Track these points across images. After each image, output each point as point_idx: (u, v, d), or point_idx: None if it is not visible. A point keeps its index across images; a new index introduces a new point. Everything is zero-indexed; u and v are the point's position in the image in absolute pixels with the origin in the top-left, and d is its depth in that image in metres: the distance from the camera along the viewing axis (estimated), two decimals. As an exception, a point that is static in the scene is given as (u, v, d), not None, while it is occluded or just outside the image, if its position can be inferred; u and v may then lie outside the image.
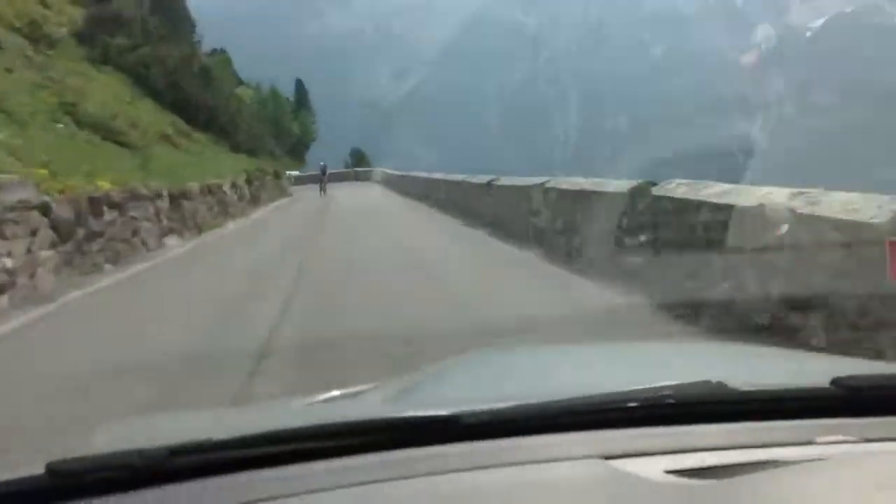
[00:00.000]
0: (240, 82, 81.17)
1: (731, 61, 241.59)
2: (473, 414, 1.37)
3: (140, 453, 1.27)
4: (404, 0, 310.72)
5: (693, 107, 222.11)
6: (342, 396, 2.05)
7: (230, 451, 1.33)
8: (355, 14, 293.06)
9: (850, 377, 1.50)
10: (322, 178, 52.86)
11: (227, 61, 78.18)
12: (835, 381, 1.49)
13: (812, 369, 2.03)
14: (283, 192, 49.83)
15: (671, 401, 1.44)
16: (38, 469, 1.26)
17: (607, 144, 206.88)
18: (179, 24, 67.18)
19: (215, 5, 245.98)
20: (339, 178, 68.50)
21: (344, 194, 48.08)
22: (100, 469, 1.27)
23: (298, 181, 65.89)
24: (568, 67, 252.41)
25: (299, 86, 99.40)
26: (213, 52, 75.92)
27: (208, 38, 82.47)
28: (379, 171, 72.95)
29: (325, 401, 2.04)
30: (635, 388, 1.50)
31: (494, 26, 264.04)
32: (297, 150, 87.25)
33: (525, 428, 1.37)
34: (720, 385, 1.47)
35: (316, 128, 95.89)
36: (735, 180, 7.81)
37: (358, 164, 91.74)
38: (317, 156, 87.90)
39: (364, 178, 73.68)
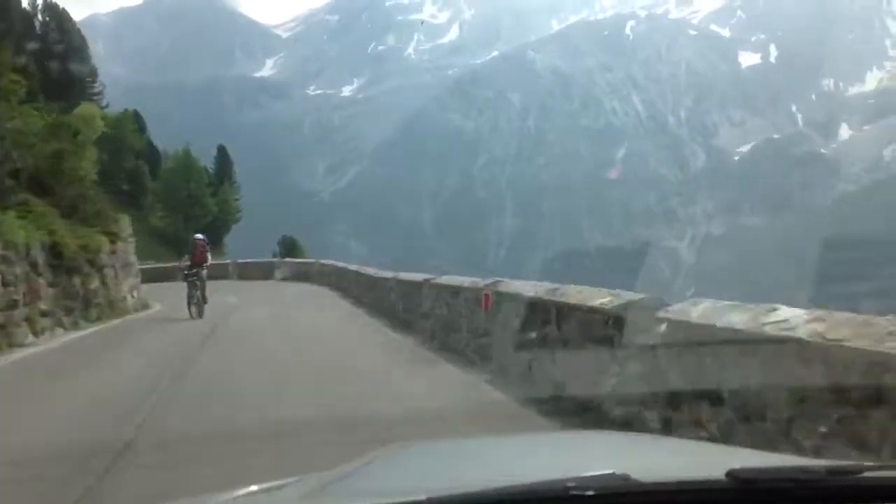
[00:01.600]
0: (154, 152, 78.15)
1: (661, 177, 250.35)
2: None
3: None
4: (343, 97, 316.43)
5: (623, 217, 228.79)
6: (261, 491, 2.09)
7: None
8: (294, 107, 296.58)
9: (744, 469, 1.60)
10: (195, 276, 23.09)
11: (129, 119, 72.14)
12: (730, 474, 1.57)
13: (708, 461, 2.09)
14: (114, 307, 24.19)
15: (576, 492, 1.49)
16: None
17: (540, 247, 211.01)
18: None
19: (152, 86, 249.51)
20: (256, 271, 49.94)
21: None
22: None
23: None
24: (504, 172, 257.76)
25: (222, 155, 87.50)
26: (125, 111, 73.44)
27: (150, 117, 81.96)
28: (290, 261, 56.46)
29: (247, 495, 2.06)
30: (540, 479, 1.58)
31: (433, 127, 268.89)
32: (215, 230, 74.70)
33: None
34: (624, 477, 1.54)
35: (240, 206, 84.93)
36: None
37: (290, 254, 76.72)
38: (240, 243, 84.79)
39: (268, 272, 50.11)
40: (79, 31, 72.42)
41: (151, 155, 75.90)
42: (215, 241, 77.87)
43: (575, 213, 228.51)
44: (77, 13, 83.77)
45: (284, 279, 45.79)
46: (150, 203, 72.90)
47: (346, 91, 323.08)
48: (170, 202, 72.28)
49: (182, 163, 74.01)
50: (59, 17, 69.08)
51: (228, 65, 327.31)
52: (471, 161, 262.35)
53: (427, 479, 1.96)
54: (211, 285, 24.26)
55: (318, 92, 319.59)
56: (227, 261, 50.95)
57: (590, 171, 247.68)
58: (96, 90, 72.09)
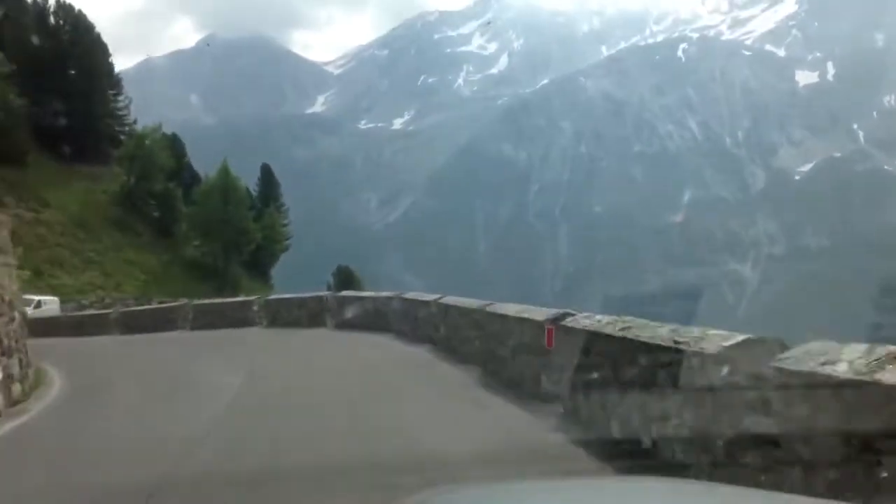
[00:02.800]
0: (192, 175, 73.60)
1: (721, 200, 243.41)
2: None
3: None
4: (393, 130, 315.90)
5: (684, 241, 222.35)
6: None
7: None
8: (345, 142, 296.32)
9: None
10: None
11: (158, 136, 67.96)
12: None
13: None
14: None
15: None
16: None
17: (597, 274, 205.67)
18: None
19: (206, 126, 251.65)
20: (293, 312, 26.72)
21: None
22: None
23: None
24: (558, 201, 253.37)
25: (266, 175, 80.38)
26: (153, 126, 68.86)
27: (204, 158, 78.17)
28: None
29: None
30: None
31: (484, 158, 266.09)
32: (260, 261, 72.40)
33: None
34: None
35: (288, 233, 77.68)
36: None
37: (346, 287, 61.40)
38: (289, 277, 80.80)
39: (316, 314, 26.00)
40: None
41: (188, 178, 71.21)
42: (261, 272, 74.60)
43: (632, 239, 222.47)
44: (132, 58, 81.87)
45: (344, 326, 23.51)
46: (184, 231, 68.30)
47: (397, 124, 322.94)
48: (205, 228, 65.54)
49: (219, 182, 66.60)
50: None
51: (280, 103, 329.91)
52: (523, 190, 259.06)
53: None
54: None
55: (369, 126, 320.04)
56: (180, 301, 33.40)
57: (646, 197, 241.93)
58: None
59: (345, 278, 76.10)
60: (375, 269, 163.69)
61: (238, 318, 26.48)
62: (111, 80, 69.65)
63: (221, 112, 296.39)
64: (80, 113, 63.00)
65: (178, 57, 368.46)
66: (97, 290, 54.99)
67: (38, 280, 51.40)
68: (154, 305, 38.10)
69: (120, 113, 70.33)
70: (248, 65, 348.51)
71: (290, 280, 79.15)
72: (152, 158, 65.28)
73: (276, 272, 79.26)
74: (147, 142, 65.74)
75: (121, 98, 70.60)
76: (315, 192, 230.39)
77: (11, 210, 55.11)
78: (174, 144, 76.54)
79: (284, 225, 77.87)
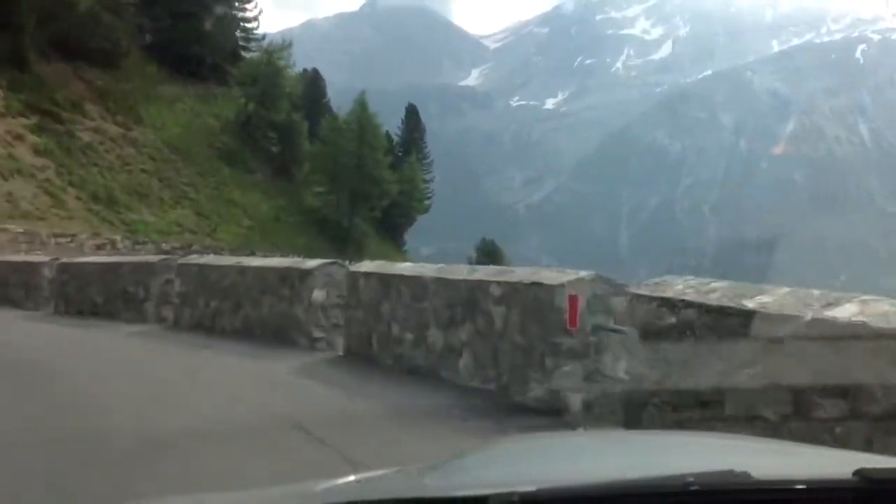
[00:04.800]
0: (322, 106, 60.67)
1: (888, 215, 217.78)
2: (505, 495, 1.36)
3: None
4: (546, 109, 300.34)
5: (842, 256, 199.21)
6: (362, 480, 1.95)
7: None
8: (495, 118, 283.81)
9: (875, 469, 1.46)
10: None
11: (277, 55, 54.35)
12: (858, 473, 1.44)
13: (832, 462, 1.92)
14: None
15: (695, 488, 1.40)
16: None
17: (743, 279, 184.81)
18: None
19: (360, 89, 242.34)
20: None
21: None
22: None
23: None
24: (709, 197, 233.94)
25: (411, 119, 67.81)
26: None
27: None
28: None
29: (346, 484, 1.88)
30: (659, 475, 1.49)
31: (636, 145, 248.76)
32: (393, 220, 59.37)
33: None
34: (744, 475, 1.43)
35: (429, 191, 64.03)
36: None
37: (489, 262, 51.87)
38: (422, 243, 67.21)
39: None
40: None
41: (314, 109, 57.48)
42: (392, 234, 60.31)
43: (787, 247, 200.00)
44: (297, 18, 68.55)
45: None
46: (305, 173, 55.20)
47: (550, 104, 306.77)
48: (331, 172, 52.82)
49: (353, 120, 53.82)
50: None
51: (435, 73, 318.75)
52: (674, 183, 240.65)
53: (538, 471, 1.82)
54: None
55: (522, 103, 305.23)
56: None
57: (804, 202, 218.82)
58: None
59: (489, 252, 63.66)
60: (513, 249, 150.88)
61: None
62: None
63: (375, 77, 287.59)
64: (196, 17, 50.37)
65: (341, 19, 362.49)
66: (185, 234, 42.57)
67: (108, 211, 39.20)
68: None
69: (247, 25, 57.36)
70: (407, 32, 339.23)
71: (422, 250, 65.41)
72: (277, 82, 52.44)
73: (408, 238, 65.81)
74: (276, 62, 53.07)
75: (249, 6, 57.20)
76: (459, 165, 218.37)
77: (93, 120, 43.35)
78: (315, 81, 64.06)
79: (427, 181, 63.80)
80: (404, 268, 8.67)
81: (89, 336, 10.61)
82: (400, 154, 60.22)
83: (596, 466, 1.87)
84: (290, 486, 2.01)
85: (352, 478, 1.97)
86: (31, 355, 8.48)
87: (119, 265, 12.82)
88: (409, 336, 7.66)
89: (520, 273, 6.97)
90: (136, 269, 12.39)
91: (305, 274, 9.28)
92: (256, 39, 57.31)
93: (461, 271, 7.58)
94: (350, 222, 54.59)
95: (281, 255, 46.28)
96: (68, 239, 35.12)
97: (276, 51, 53.24)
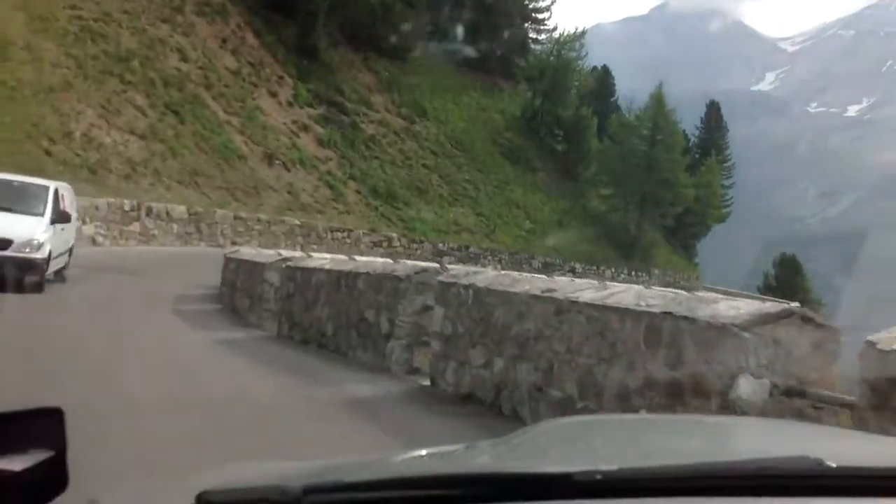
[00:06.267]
0: (611, 104, 55.43)
1: None
2: (588, 473, 1.34)
3: (280, 490, 1.32)
4: (847, 116, 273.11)
5: None
6: (433, 455, 1.89)
7: (360, 493, 1.36)
8: (789, 125, 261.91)
9: None
10: None
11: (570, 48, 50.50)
12: None
13: None
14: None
15: (771, 473, 1.37)
16: (183, 500, 1.32)
17: None
18: None
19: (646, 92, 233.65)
20: None
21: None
22: (244, 502, 1.38)
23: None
24: None
25: (712, 115, 62.23)
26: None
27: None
28: None
29: (415, 458, 1.86)
30: (733, 459, 1.48)
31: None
32: (685, 228, 52.83)
33: (629, 490, 1.36)
34: (818, 461, 1.37)
35: (728, 198, 57.39)
36: None
37: (789, 283, 49.93)
38: (713, 256, 60.24)
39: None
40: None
41: (603, 108, 52.29)
42: (684, 244, 55.01)
43: None
44: (586, 21, 65.10)
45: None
46: (591, 173, 50.12)
47: (852, 111, 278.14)
48: (620, 172, 47.65)
49: (646, 117, 48.46)
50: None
51: (724, 77, 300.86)
52: None
53: (609, 452, 1.79)
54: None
55: (820, 110, 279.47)
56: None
57: None
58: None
59: (789, 270, 54.62)
60: (804, 265, 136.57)
61: None
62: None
63: (665, 80, 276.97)
64: (483, 6, 46.89)
65: (628, 23, 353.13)
66: (462, 234, 39.24)
67: (386, 207, 36.72)
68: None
69: (538, 16, 53.27)
70: (697, 35, 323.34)
71: (713, 263, 58.66)
72: (567, 75, 48.03)
73: (702, 245, 58.65)
74: (566, 53, 48.64)
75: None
76: (748, 174, 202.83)
77: (377, 112, 41.23)
78: (604, 78, 59.05)
79: (726, 186, 56.83)
80: None
81: (292, 398, 6.38)
82: (697, 156, 53.36)
83: (665, 448, 1.81)
84: (364, 457, 1.92)
85: (423, 452, 1.89)
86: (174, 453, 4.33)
87: (353, 276, 8.47)
88: None
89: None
90: (376, 284, 7.98)
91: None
92: (547, 31, 53.12)
93: None
94: (638, 228, 48.96)
95: (563, 261, 41.99)
96: (345, 234, 33.21)
97: (569, 40, 48.70)
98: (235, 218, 28.07)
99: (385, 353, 7.86)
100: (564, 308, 5.49)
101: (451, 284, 6.72)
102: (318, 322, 9.28)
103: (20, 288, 11.56)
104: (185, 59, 32.63)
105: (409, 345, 7.67)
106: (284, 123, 35.21)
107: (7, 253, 11.79)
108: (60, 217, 13.29)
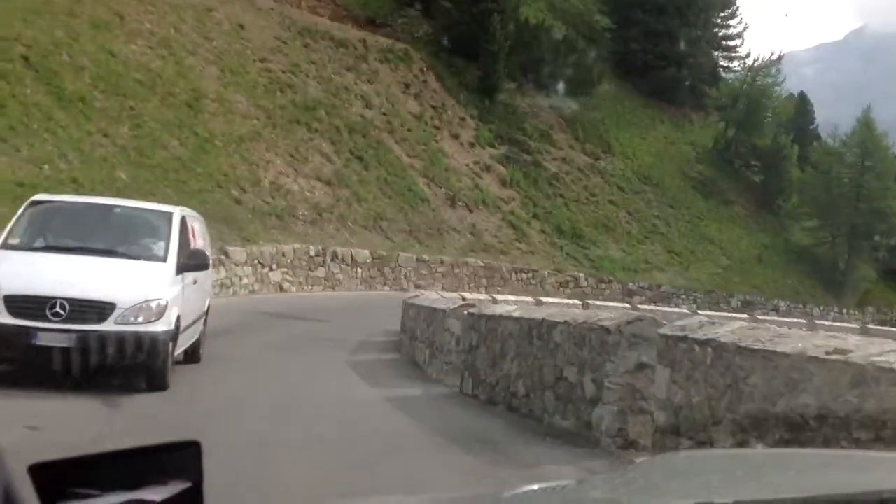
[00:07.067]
0: (810, 133, 51.12)
1: None
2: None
3: None
4: None
5: None
6: (544, 490, 1.82)
7: None
8: None
9: None
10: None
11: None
12: None
13: None
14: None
15: None
16: None
17: None
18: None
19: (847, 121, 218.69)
20: None
21: None
22: None
23: None
24: None
25: None
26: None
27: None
28: None
29: (527, 493, 1.77)
30: (853, 491, 1.44)
31: None
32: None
33: None
34: None
35: None
36: None
37: None
38: None
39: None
40: None
41: (801, 137, 48.25)
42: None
43: None
44: (778, 48, 61.68)
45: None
46: (792, 205, 46.28)
47: None
48: (824, 203, 43.91)
49: (853, 143, 44.94)
50: None
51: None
52: None
53: (725, 485, 1.70)
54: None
55: None
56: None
57: None
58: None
59: None
60: None
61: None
62: (722, -4, 49.03)
63: (859, 109, 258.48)
64: (672, 38, 44.56)
65: (822, 50, 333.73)
66: (653, 272, 36.74)
67: (572, 246, 35.06)
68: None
69: (729, 43, 50.07)
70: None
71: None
72: (762, 103, 44.87)
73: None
74: (760, 80, 45.53)
75: (733, 23, 49.88)
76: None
77: (560, 150, 39.78)
78: (802, 105, 54.87)
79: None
80: None
81: (474, 484, 4.91)
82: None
83: (782, 481, 1.73)
84: (477, 493, 2.01)
85: (535, 486, 1.85)
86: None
87: (548, 326, 6.94)
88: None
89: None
90: (578, 336, 6.33)
91: None
92: (739, 58, 49.85)
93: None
94: (847, 263, 44.49)
95: (765, 299, 38.43)
96: (529, 275, 31.87)
97: (764, 66, 45.47)
98: (418, 261, 27.45)
99: (590, 420, 6.23)
100: (867, 377, 3.70)
101: (680, 339, 5.04)
102: (506, 379, 7.79)
103: (129, 383, 7.53)
104: (368, 106, 32.67)
105: (622, 411, 6.00)
106: (467, 164, 34.49)
107: (105, 327, 7.30)
108: (194, 260, 8.58)
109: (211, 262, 10.29)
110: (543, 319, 7.05)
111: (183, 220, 8.78)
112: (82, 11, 22.97)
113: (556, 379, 6.69)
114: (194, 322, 8.93)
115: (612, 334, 5.91)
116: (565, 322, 6.64)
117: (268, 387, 8.64)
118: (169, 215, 8.62)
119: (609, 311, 8.84)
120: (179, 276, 8.11)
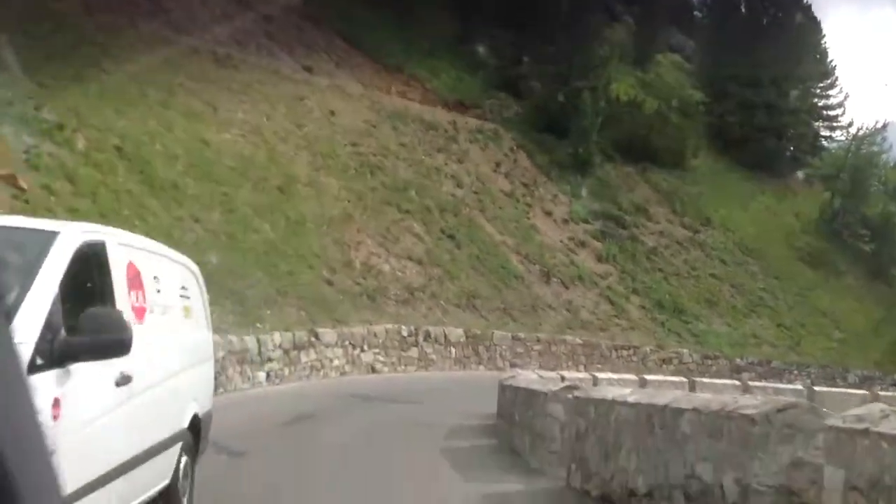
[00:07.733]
0: None
1: None
2: None
3: None
4: None
5: None
6: None
7: None
8: None
9: None
10: None
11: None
12: None
13: None
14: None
15: None
16: None
17: None
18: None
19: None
20: None
21: None
22: None
23: None
24: None
25: None
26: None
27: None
28: None
29: None
30: None
31: None
32: None
33: None
34: None
35: None
36: None
37: None
38: None
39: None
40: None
41: None
42: None
43: None
44: (882, 116, 60.02)
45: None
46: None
47: None
48: None
49: None
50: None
51: None
52: None
53: None
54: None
55: None
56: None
57: None
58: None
59: None
60: None
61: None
62: (821, 66, 47.54)
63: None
64: (772, 108, 43.09)
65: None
66: (762, 347, 34.51)
67: (674, 321, 33.45)
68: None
69: (830, 113, 48.13)
70: None
71: None
72: (868, 171, 42.77)
73: None
74: (864, 149, 43.55)
75: (832, 92, 48.05)
76: None
77: (657, 224, 38.38)
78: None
79: None
80: None
81: None
82: None
83: None
84: None
85: None
86: None
87: (673, 413, 5.82)
88: None
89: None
90: (712, 426, 5.09)
91: None
92: (841, 127, 47.85)
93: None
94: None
95: (883, 374, 35.60)
96: (630, 351, 30.33)
97: (869, 134, 43.44)
98: (513, 339, 26.38)
99: (731, 530, 5.04)
100: None
101: (859, 433, 3.89)
102: (622, 474, 6.62)
103: None
104: (459, 185, 32.22)
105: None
106: (561, 241, 33.48)
107: None
108: (93, 333, 3.79)
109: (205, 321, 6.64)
110: (666, 405, 5.90)
111: (88, 251, 4.29)
112: (176, 103, 23.32)
113: (687, 477, 5.51)
114: (126, 471, 4.45)
115: (757, 424, 4.74)
116: (694, 409, 5.48)
117: (353, 480, 7.69)
118: (49, 237, 4.09)
119: (749, 395, 7.56)
120: (52, 373, 3.63)
